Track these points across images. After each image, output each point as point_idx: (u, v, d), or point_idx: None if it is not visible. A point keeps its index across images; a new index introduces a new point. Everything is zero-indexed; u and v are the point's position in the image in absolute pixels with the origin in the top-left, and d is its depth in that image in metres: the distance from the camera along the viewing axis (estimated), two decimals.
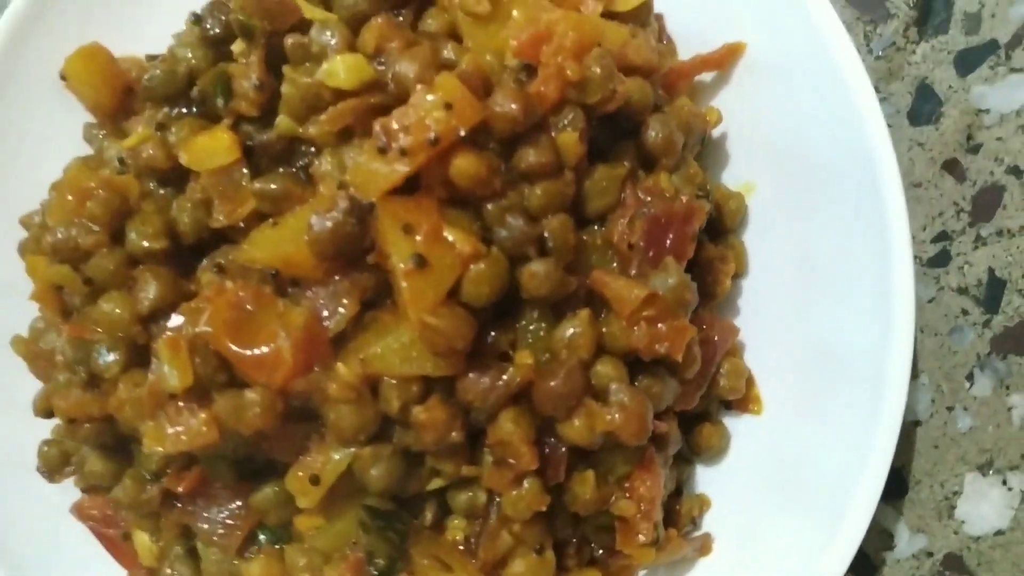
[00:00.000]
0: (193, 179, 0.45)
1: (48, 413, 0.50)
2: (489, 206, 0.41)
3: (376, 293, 0.41)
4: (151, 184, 0.46)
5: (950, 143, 0.50)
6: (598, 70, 0.40)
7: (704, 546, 0.46)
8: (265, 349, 0.39)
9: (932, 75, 0.51)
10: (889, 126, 0.51)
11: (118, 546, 0.49)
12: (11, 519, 0.54)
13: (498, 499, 0.42)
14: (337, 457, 0.40)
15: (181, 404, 0.40)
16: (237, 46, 0.46)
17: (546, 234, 0.41)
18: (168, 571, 0.46)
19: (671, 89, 0.46)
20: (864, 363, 0.42)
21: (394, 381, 0.40)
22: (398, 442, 0.41)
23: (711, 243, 0.46)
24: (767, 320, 0.47)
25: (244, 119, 0.46)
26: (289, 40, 0.45)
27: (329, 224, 0.39)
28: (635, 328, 0.40)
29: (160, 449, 0.39)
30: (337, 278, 0.41)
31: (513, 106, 0.39)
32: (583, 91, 0.40)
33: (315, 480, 0.40)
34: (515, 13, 0.40)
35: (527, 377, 0.40)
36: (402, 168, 0.39)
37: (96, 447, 0.46)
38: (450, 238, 0.40)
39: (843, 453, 0.43)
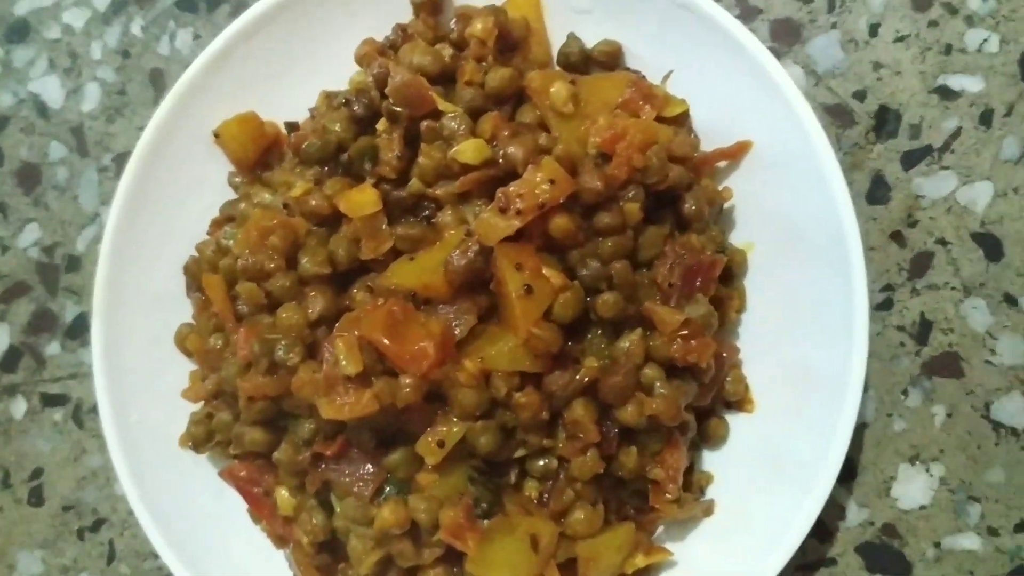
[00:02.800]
0: (345, 222, 0.60)
1: (212, 396, 0.65)
2: (574, 252, 0.57)
3: (487, 311, 0.57)
4: (310, 225, 0.62)
5: (895, 219, 0.68)
6: (655, 160, 0.57)
7: (707, 509, 0.62)
8: (415, 347, 0.54)
9: (884, 168, 0.68)
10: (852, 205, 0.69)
11: (260, 501, 0.63)
12: (162, 486, 0.68)
13: (567, 465, 0.58)
14: (456, 428, 0.56)
15: (348, 386, 0.55)
16: (381, 124, 0.62)
17: (612, 274, 0.57)
18: (305, 516, 0.61)
19: (698, 172, 0.63)
20: (830, 379, 0.58)
21: (502, 374, 0.55)
22: (499, 419, 0.56)
23: (722, 286, 0.63)
24: (760, 344, 0.63)
25: (384, 180, 0.61)
26: (424, 124, 0.60)
27: (464, 261, 0.55)
28: (673, 343, 0.57)
29: (335, 416, 0.54)
30: (461, 299, 0.57)
31: (597, 183, 0.55)
32: (644, 174, 0.57)
33: (441, 444, 0.55)
34: (601, 120, 0.57)
35: (593, 376, 0.56)
36: (516, 223, 0.55)
37: (258, 422, 0.61)
38: (546, 274, 0.56)
39: (812, 444, 0.58)
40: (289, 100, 0.70)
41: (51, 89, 0.82)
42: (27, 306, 0.80)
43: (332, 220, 0.60)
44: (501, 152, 0.58)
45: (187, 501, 0.67)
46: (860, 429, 0.66)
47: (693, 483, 0.62)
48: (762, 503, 0.60)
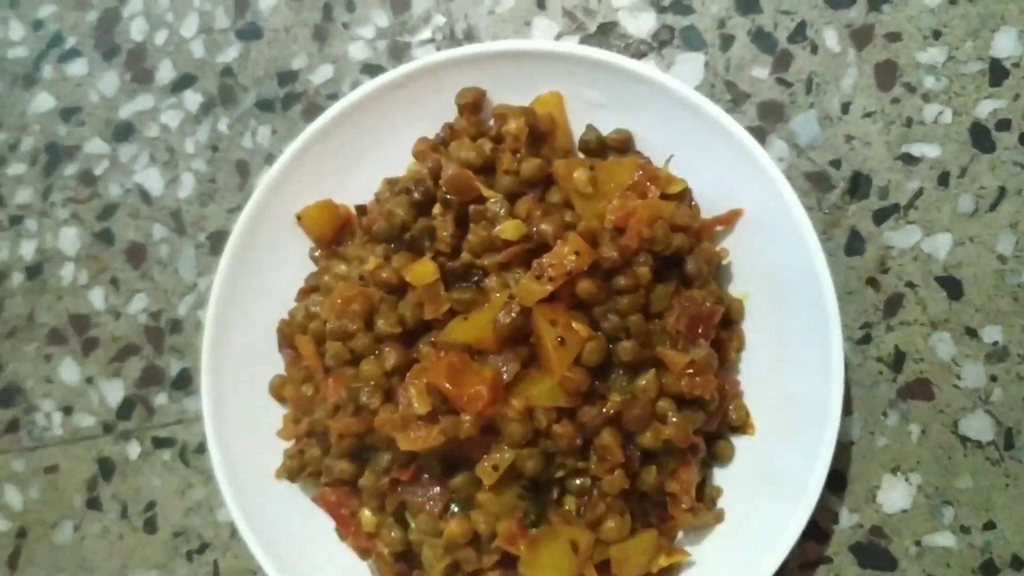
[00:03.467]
0: (410, 290, 0.74)
1: (304, 435, 0.79)
2: (597, 309, 0.70)
3: (528, 359, 0.70)
4: (382, 293, 0.75)
5: (870, 267, 0.80)
6: (660, 232, 0.70)
7: (718, 517, 0.74)
8: (472, 391, 0.68)
9: (859, 224, 0.81)
10: (832, 256, 0.81)
11: (347, 521, 0.77)
12: (261, 512, 0.81)
13: (599, 482, 0.70)
14: (507, 455, 0.69)
15: (420, 423, 0.68)
16: (436, 208, 0.75)
17: (629, 326, 0.70)
18: (385, 532, 0.74)
19: (698, 236, 0.75)
20: (815, 404, 0.70)
21: (542, 410, 0.68)
22: (542, 447, 0.69)
23: (723, 330, 0.76)
24: (757, 377, 0.75)
25: (440, 253, 0.75)
26: (472, 208, 0.74)
27: (508, 319, 0.68)
28: (682, 380, 0.70)
29: (410, 448, 0.67)
30: (507, 350, 0.70)
31: (614, 253, 0.69)
32: (652, 243, 0.70)
33: (495, 468, 0.68)
34: (615, 201, 0.70)
35: (617, 409, 0.69)
36: (549, 287, 0.68)
37: (345, 455, 0.74)
38: (575, 327, 0.69)
39: (802, 460, 0.71)
40: (358, 186, 0.84)
41: (152, 179, 0.97)
42: (138, 364, 0.95)
43: (400, 288, 0.74)
44: (535, 229, 0.71)
45: (283, 523, 0.80)
46: (848, 446, 0.78)
47: (705, 496, 0.74)
48: (763, 511, 0.72)
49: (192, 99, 0.98)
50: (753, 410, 0.76)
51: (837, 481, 0.77)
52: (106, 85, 1.01)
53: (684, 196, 0.76)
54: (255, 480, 0.81)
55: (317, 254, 0.85)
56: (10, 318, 0.99)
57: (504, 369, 0.68)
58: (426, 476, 0.71)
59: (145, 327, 0.95)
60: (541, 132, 0.78)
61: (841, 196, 0.81)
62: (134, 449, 0.94)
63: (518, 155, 0.76)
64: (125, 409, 0.95)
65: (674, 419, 0.69)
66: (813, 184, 0.82)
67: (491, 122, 0.79)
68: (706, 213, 0.77)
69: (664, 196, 0.74)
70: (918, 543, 0.76)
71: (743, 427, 0.75)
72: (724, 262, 0.77)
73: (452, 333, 0.70)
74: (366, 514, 0.75)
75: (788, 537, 0.69)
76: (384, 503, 0.74)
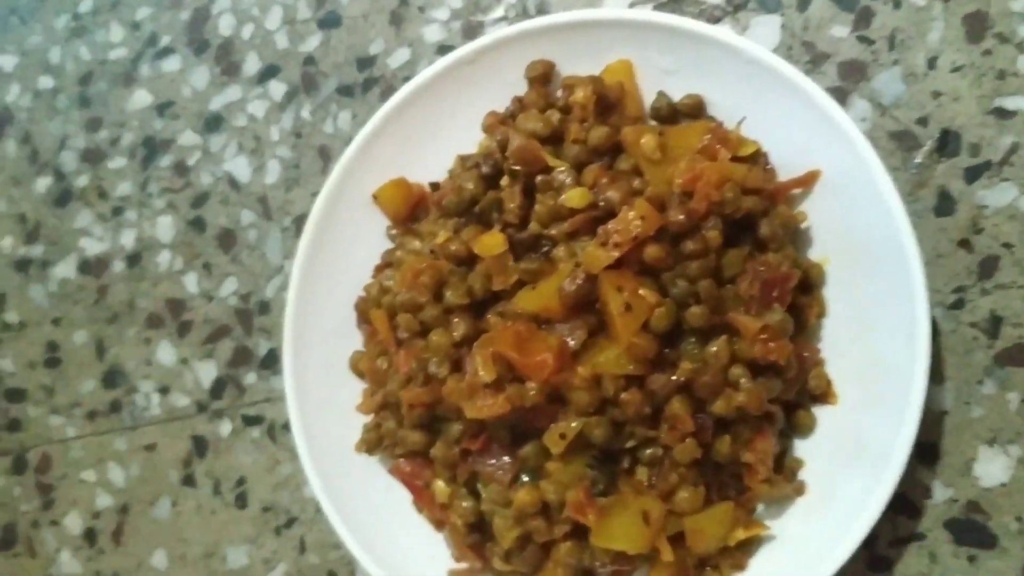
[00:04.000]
0: (479, 262, 0.74)
1: (380, 407, 0.80)
2: (665, 275, 0.69)
3: (596, 328, 0.70)
4: (454, 266, 0.76)
5: (962, 228, 0.75)
6: (730, 194, 0.68)
7: (799, 489, 0.71)
8: (538, 358, 0.67)
9: (948, 184, 0.76)
10: (920, 218, 0.77)
11: (421, 492, 0.77)
12: (342, 485, 0.83)
13: (670, 452, 0.69)
14: (575, 424, 0.68)
15: (486, 391, 0.69)
16: (504, 180, 0.76)
17: (699, 291, 0.68)
18: (458, 503, 0.75)
19: (773, 200, 0.73)
20: (900, 371, 0.67)
21: (610, 377, 0.67)
22: (610, 415, 0.68)
23: (802, 295, 0.73)
24: (839, 344, 0.72)
25: (509, 225, 0.75)
26: (539, 178, 0.74)
27: (574, 287, 0.68)
28: (755, 345, 0.67)
29: (477, 416, 0.67)
30: (573, 319, 0.69)
31: (681, 217, 0.67)
32: (721, 207, 0.68)
33: (563, 436, 0.67)
34: (682, 164, 0.69)
35: (688, 376, 0.67)
36: (615, 254, 0.67)
37: (417, 426, 0.75)
38: (643, 293, 0.68)
39: (887, 430, 0.67)
40: (431, 164, 0.85)
41: (241, 167, 1.01)
42: (229, 344, 0.98)
43: (469, 260, 0.74)
44: (601, 197, 0.70)
45: (363, 497, 0.81)
46: (940, 416, 0.73)
47: (785, 467, 0.72)
48: (846, 483, 0.69)
49: (276, 89, 1.01)
50: (835, 379, 0.73)
51: (929, 453, 0.73)
52: (198, 79, 1.05)
53: (757, 158, 0.73)
54: (336, 455, 0.83)
55: (394, 232, 0.86)
56: (113, 304, 1.05)
57: (571, 337, 0.68)
58: (496, 446, 0.71)
59: (235, 309, 0.99)
60: (610, 101, 0.77)
61: (928, 155, 0.77)
62: (226, 427, 0.97)
63: (586, 124, 0.75)
64: (217, 388, 0.98)
65: (747, 386, 0.67)
66: (898, 143, 0.78)
67: (559, 92, 0.78)
68: (784, 177, 0.75)
69: (736, 159, 0.71)
70: (1019, 519, 0.71)
71: (824, 396, 0.72)
72: (802, 226, 0.75)
73: (520, 303, 0.70)
74: (439, 485, 0.75)
75: (872, 510, 0.66)
76: (456, 474, 0.74)
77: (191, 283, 1.01)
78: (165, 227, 1.04)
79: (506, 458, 0.71)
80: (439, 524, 0.77)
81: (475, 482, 0.74)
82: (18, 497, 1.06)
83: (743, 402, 0.66)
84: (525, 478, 0.71)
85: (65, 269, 1.08)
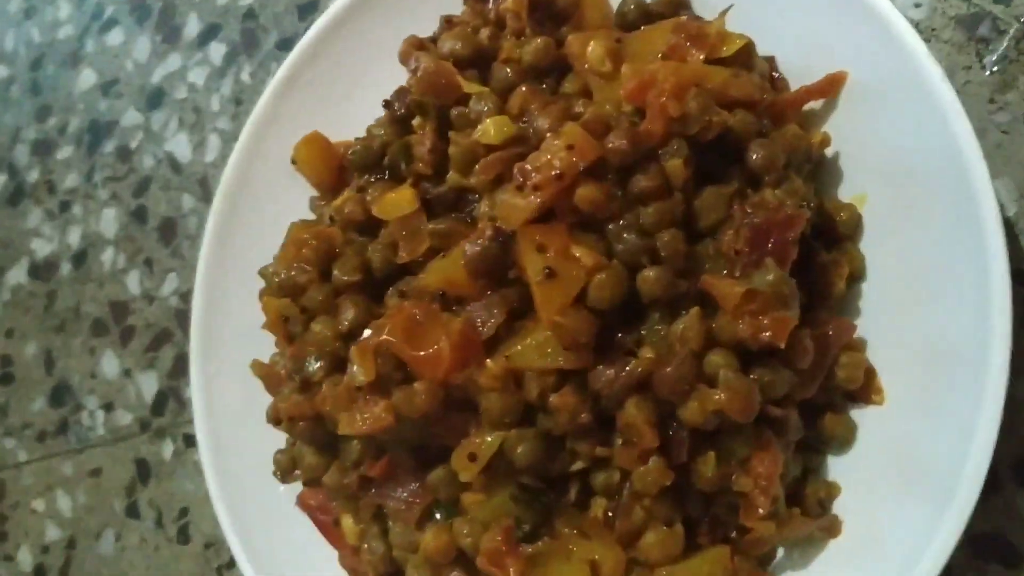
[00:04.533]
0: (384, 227, 0.57)
1: (276, 421, 0.63)
2: (611, 227, 0.49)
3: (522, 306, 0.50)
4: (354, 234, 0.58)
5: None
6: (696, 106, 0.47)
7: (832, 527, 0.49)
8: (431, 350, 0.49)
9: None
10: (1006, 133, 0.54)
11: (330, 530, 0.60)
12: (253, 514, 0.66)
13: (630, 477, 0.49)
14: (489, 439, 0.48)
15: (368, 398, 0.50)
16: (416, 121, 0.58)
17: (658, 246, 0.48)
18: (366, 546, 0.56)
19: (779, 119, 0.52)
20: (968, 358, 0.45)
21: (533, 373, 0.48)
22: (540, 426, 0.49)
23: (825, 250, 0.51)
24: (885, 318, 0.50)
25: (423, 178, 0.57)
26: (454, 112, 0.56)
27: (478, 248, 0.49)
28: (740, 321, 0.46)
29: (351, 432, 0.49)
30: (489, 294, 0.50)
31: (622, 141, 0.47)
32: (684, 124, 0.48)
33: (472, 457, 0.48)
34: (624, 67, 0.49)
35: (648, 368, 0.47)
36: (535, 200, 0.48)
37: (311, 443, 0.57)
38: (577, 254, 0.48)
39: (949, 440, 0.45)
40: (359, 118, 0.67)
41: (181, 145, 0.87)
42: (170, 352, 0.84)
43: (373, 228, 0.56)
44: (531, 129, 0.51)
45: (277, 533, 0.64)
46: None
47: (808, 495, 0.50)
48: (897, 516, 0.47)
49: (216, 51, 0.86)
50: (882, 369, 0.50)
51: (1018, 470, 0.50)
52: (140, 51, 0.92)
53: (749, 60, 0.52)
54: (252, 483, 0.66)
55: (322, 203, 0.69)
56: (60, 311, 0.93)
57: (482, 320, 0.49)
58: (401, 472, 0.53)
59: (176, 311, 0.84)
60: (558, 8, 0.58)
61: (1015, 43, 0.54)
62: (167, 448, 0.83)
63: (523, 40, 0.56)
64: (159, 404, 0.84)
65: (729, 381, 0.46)
66: (968, 32, 0.55)
67: (491, 2, 0.59)
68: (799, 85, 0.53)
69: (715, 61, 0.51)
70: None
71: (865, 394, 0.50)
72: (827, 153, 0.53)
73: (428, 276, 0.52)
74: (348, 522, 0.57)
75: (928, 559, 0.44)
76: (358, 508, 0.56)
77: (133, 283, 0.88)
78: (109, 221, 0.91)
79: (415, 484, 0.52)
80: (352, 572, 0.59)
81: (386, 519, 0.56)
82: None
83: (722, 404, 0.45)
84: (439, 515, 0.52)
85: (17, 275, 0.97)
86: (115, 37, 0.94)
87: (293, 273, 0.56)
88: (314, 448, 0.57)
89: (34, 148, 0.98)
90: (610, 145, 0.47)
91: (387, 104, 0.59)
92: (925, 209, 0.49)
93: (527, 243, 0.48)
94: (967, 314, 0.46)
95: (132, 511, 0.84)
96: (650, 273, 0.47)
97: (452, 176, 0.54)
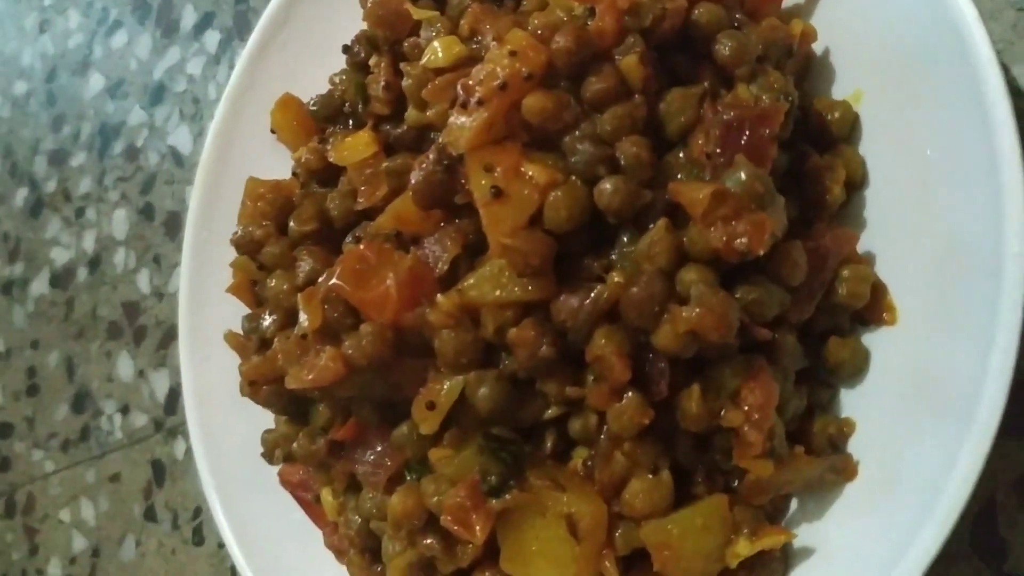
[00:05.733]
0: (344, 174, 0.53)
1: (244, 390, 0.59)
2: (567, 140, 0.44)
3: (481, 239, 0.46)
4: (315, 186, 0.55)
5: None
6: None
7: (847, 468, 0.43)
8: (379, 290, 0.44)
9: None
10: (1023, 10, 0.47)
11: (312, 507, 0.56)
12: (246, 500, 0.63)
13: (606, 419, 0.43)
14: (448, 384, 0.44)
15: (318, 348, 0.46)
16: (372, 59, 0.54)
17: (619, 156, 0.43)
18: (343, 519, 0.52)
19: (757, 13, 0.47)
20: (983, 247, 0.39)
21: (490, 308, 0.43)
22: (504, 368, 0.44)
23: (816, 152, 0.45)
24: (892, 226, 0.44)
25: (382, 119, 0.53)
26: (406, 43, 0.52)
27: (422, 174, 0.44)
28: (712, 229, 0.41)
29: (299, 385, 0.45)
30: (443, 225, 0.46)
31: (567, 40, 0.42)
32: (637, 16, 0.43)
33: (431, 405, 0.44)
34: None
35: (616, 294, 0.42)
36: (482, 116, 0.43)
37: (279, 410, 0.53)
38: (529, 172, 0.43)
39: (967, 355, 0.39)
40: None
41: (183, 138, 0.86)
42: (179, 348, 0.82)
43: (328, 175, 0.53)
44: (483, 48, 0.47)
45: (267, 516, 0.60)
46: None
47: (815, 433, 0.44)
48: (917, 450, 0.40)
49: (212, 39, 0.85)
50: (893, 284, 0.44)
51: None
52: (142, 49, 0.91)
53: None
54: (246, 466, 0.63)
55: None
56: (78, 317, 0.92)
57: (435, 255, 0.44)
58: (371, 434, 0.48)
59: None
60: None
61: None
62: (180, 447, 0.81)
63: None
64: (171, 402, 0.82)
65: (701, 294, 0.40)
66: None
67: None
68: None
69: None
70: None
71: (877, 313, 0.44)
72: (817, 50, 0.47)
73: (381, 217, 0.48)
74: (327, 496, 0.53)
75: (948, 497, 0.37)
76: (331, 477, 0.52)
77: (143, 282, 0.86)
78: (120, 222, 0.90)
79: (382, 449, 0.48)
80: (339, 553, 0.55)
81: (362, 489, 0.51)
82: (10, 543, 0.94)
83: (692, 322, 0.39)
84: (409, 478, 0.47)
85: (40, 286, 0.97)
86: (120, 39, 0.94)
87: (250, 229, 0.52)
88: (287, 416, 0.53)
89: (51, 158, 0.98)
90: (554, 46, 0.42)
91: (346, 49, 0.56)
92: (927, 98, 0.43)
93: (475, 164, 0.43)
94: (978, 205, 0.39)
95: (150, 514, 0.82)
96: (607, 185, 0.41)
97: (411, 113, 0.51)
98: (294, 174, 0.56)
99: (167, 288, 0.84)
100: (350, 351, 0.44)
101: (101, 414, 0.88)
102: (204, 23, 0.86)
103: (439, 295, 0.43)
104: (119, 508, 0.85)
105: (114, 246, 0.90)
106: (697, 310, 0.39)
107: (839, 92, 0.47)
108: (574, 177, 0.43)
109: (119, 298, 0.88)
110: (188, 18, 0.87)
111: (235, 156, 0.67)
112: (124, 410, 0.86)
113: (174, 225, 0.85)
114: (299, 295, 0.46)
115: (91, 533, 0.87)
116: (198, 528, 0.78)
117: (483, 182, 0.42)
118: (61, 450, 0.91)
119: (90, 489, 0.88)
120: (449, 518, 0.43)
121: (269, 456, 0.59)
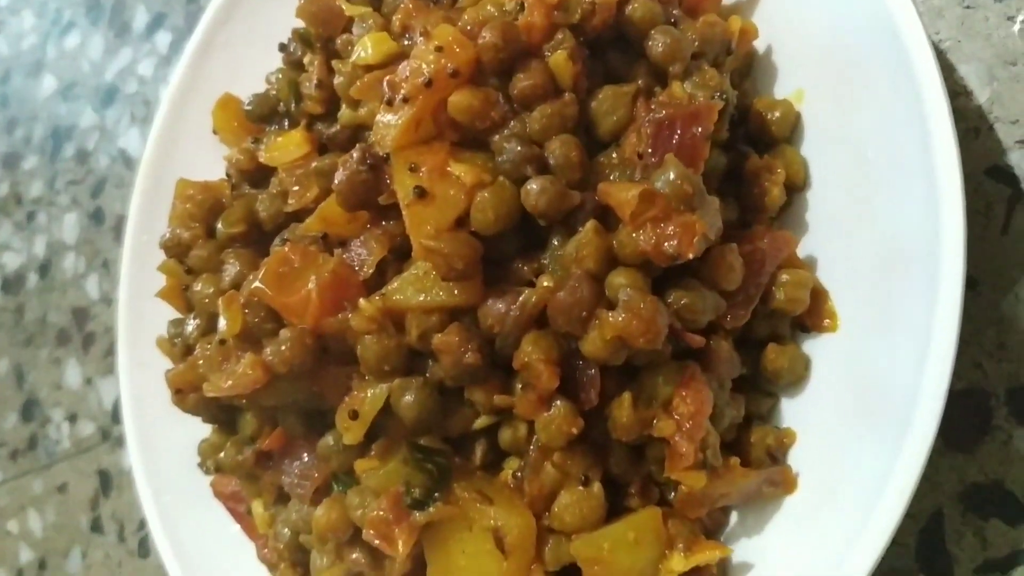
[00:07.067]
0: (275, 175, 0.51)
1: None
2: (495, 139, 0.42)
3: (408, 240, 0.44)
4: (246, 187, 0.53)
5: None
6: None
7: (785, 481, 0.41)
8: (300, 294, 0.43)
9: None
10: (969, 8, 0.46)
11: (245, 519, 0.54)
12: (182, 510, 0.61)
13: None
14: (371, 392, 0.42)
15: (239, 355, 0.44)
16: (306, 58, 0.53)
17: (547, 155, 0.41)
18: (273, 531, 0.50)
19: (696, 10, 0.45)
20: (921, 252, 0.37)
21: (414, 313, 0.42)
22: (430, 376, 0.42)
23: (756, 153, 0.44)
24: (833, 229, 0.43)
25: (316, 118, 0.51)
26: (339, 40, 0.50)
27: (345, 175, 0.43)
28: (641, 231, 0.39)
29: (217, 393, 0.43)
30: (369, 227, 0.44)
31: (494, 35, 0.41)
32: (566, 11, 0.41)
33: (354, 415, 0.42)
34: None
35: (544, 298, 0.40)
36: (407, 114, 0.42)
37: (208, 419, 0.51)
38: (456, 172, 0.42)
39: (905, 359, 0.37)
40: None
41: (133, 140, 0.84)
42: None
43: (260, 176, 0.51)
44: (414, 44, 0.45)
45: (210, 528, 0.58)
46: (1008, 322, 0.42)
47: (753, 444, 0.42)
48: (855, 459, 0.39)
49: (163, 40, 0.83)
50: (835, 289, 0.43)
51: (1014, 403, 0.41)
52: (95, 50, 0.90)
53: None
54: (184, 477, 0.61)
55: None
56: (28, 324, 0.90)
57: (359, 258, 0.43)
58: (298, 444, 0.47)
59: None
60: None
61: None
62: (126, 457, 0.78)
63: None
64: (117, 410, 0.80)
65: (629, 298, 0.38)
66: None
67: None
68: None
69: None
70: None
71: (818, 319, 0.43)
72: (759, 49, 0.46)
73: (309, 220, 0.46)
74: (258, 508, 0.51)
75: (882, 509, 0.36)
76: (260, 489, 0.50)
77: (92, 287, 0.84)
78: (70, 226, 0.88)
79: (308, 460, 0.46)
80: (269, 565, 0.53)
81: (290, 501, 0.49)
82: None
83: (618, 327, 0.38)
84: (336, 489, 0.46)
85: None
86: (73, 39, 0.92)
87: (178, 231, 0.50)
88: (216, 425, 0.51)
89: (4, 161, 0.96)
90: (482, 41, 0.41)
91: (282, 47, 0.54)
92: (866, 98, 0.41)
93: (400, 164, 0.41)
94: (917, 208, 0.38)
95: (96, 526, 0.80)
96: (534, 185, 0.40)
97: (344, 112, 0.49)
98: (227, 175, 0.54)
99: (116, 294, 0.82)
100: (270, 358, 0.42)
101: (49, 422, 0.86)
102: (156, 23, 0.84)
103: (361, 299, 0.41)
104: (66, 519, 0.83)
105: (64, 251, 0.88)
106: (624, 315, 0.38)
107: (781, 91, 0.45)
108: (502, 178, 0.41)
109: (68, 304, 0.86)
110: (140, 19, 0.86)
111: (177, 157, 0.65)
112: (72, 418, 0.84)
113: (123, 229, 0.83)
114: (220, 300, 0.44)
115: (38, 545, 0.85)
116: (144, 540, 0.76)
117: (407, 182, 0.41)
118: (10, 459, 0.89)
119: (37, 500, 0.85)
120: (371, 532, 0.41)
121: (204, 466, 0.57)
